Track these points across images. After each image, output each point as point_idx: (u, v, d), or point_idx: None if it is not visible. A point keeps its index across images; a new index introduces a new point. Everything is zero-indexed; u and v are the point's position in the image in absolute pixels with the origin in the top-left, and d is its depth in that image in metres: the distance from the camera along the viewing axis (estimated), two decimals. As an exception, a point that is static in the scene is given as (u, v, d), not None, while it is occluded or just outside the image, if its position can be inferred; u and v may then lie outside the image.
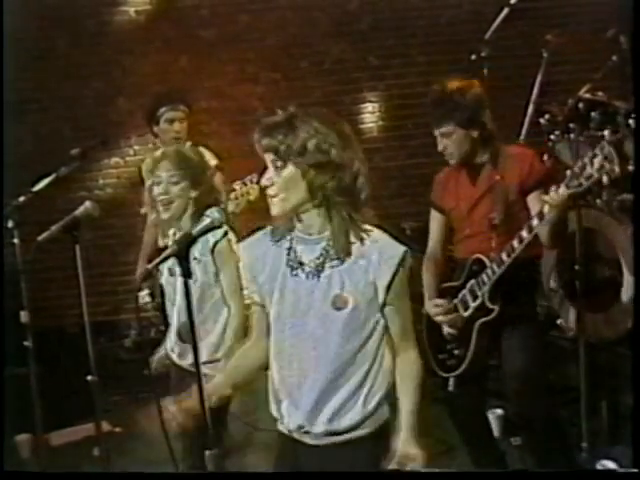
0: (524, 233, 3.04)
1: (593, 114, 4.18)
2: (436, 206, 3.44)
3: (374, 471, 2.19)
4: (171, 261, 2.85)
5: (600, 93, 4.21)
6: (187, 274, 2.13)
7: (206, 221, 2.17)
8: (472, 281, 3.22)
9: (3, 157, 4.77)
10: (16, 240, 3.48)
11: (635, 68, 3.43)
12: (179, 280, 2.86)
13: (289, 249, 2.22)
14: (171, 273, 3.01)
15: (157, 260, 2.14)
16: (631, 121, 4.01)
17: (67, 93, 5.80)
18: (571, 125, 4.21)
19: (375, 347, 2.21)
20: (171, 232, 3.07)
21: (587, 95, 4.22)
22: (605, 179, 2.78)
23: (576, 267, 3.53)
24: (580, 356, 3.42)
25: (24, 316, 3.53)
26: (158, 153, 3.10)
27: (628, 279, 3.70)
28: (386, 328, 2.22)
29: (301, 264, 2.20)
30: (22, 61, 5.52)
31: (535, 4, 5.40)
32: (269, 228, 2.26)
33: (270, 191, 2.15)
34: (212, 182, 3.19)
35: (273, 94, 5.99)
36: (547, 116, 4.27)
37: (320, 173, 2.11)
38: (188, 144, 3.17)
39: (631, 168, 4.11)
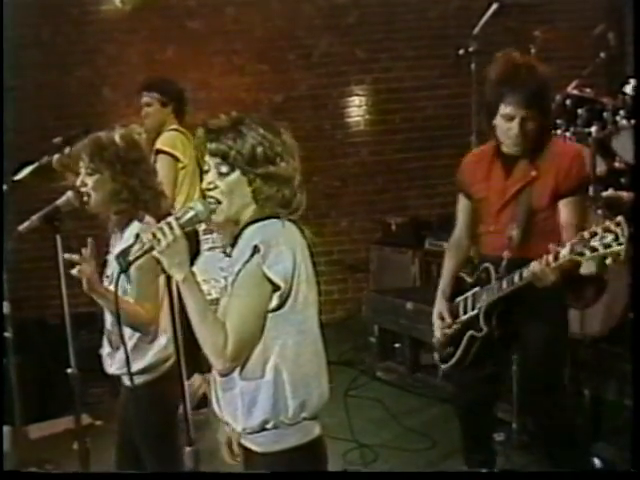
0: (525, 271, 2.80)
1: (580, 110, 4.18)
2: (464, 192, 3.23)
3: (374, 471, 2.16)
4: (110, 270, 2.78)
5: (588, 90, 4.21)
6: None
7: (189, 214, 2.03)
8: (477, 288, 3.11)
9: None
10: (-4, 229, 3.44)
11: (636, 59, 3.42)
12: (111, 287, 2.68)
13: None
14: (110, 280, 2.78)
15: (138, 253, 2.04)
16: (618, 117, 4.01)
17: (50, 82, 5.74)
18: (558, 121, 4.20)
19: None
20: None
21: (575, 91, 4.22)
22: (609, 260, 2.43)
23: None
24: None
25: (5, 307, 3.49)
26: (79, 144, 2.83)
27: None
28: None
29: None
30: (5, 49, 5.44)
31: (523, 0, 5.39)
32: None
33: (213, 194, 2.09)
34: (147, 177, 2.78)
35: (260, 86, 5.96)
36: (534, 112, 4.24)
37: (266, 184, 2.08)
38: (138, 130, 2.84)
39: (617, 164, 4.13)
